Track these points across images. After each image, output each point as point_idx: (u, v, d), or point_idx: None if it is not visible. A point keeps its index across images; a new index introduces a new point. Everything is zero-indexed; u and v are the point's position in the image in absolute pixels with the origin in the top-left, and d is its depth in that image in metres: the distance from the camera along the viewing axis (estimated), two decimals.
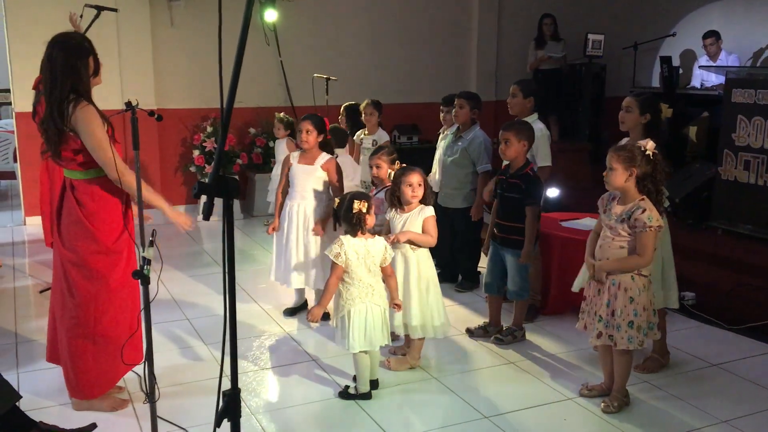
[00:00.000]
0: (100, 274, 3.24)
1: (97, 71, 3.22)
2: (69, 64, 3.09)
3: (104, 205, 3.24)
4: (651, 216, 3.22)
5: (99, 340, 3.28)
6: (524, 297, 4.26)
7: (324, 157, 4.47)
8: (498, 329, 4.36)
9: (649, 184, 3.30)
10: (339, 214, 3.58)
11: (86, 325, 3.26)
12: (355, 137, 6.12)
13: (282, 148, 6.88)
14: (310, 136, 4.41)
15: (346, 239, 3.49)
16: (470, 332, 4.40)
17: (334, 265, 3.48)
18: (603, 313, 3.35)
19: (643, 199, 3.28)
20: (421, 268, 3.79)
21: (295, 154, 4.56)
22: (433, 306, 3.81)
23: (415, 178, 3.72)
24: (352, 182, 5.07)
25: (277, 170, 7.04)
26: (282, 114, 7.08)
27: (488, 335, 4.34)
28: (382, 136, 5.93)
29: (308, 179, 4.46)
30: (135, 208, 3.20)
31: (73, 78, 3.10)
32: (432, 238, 3.78)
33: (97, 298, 3.25)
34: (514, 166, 4.17)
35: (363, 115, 5.97)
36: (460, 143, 5.07)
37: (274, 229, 4.57)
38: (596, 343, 3.44)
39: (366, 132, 6.02)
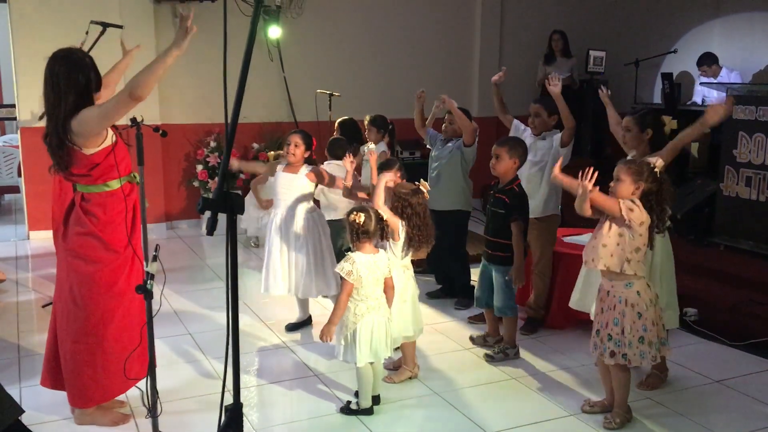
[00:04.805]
0: (105, 283, 3.25)
1: (98, 86, 3.22)
2: (72, 79, 3.09)
3: (114, 217, 3.25)
4: (634, 203, 3.22)
5: (102, 349, 3.28)
6: (509, 314, 4.21)
7: (307, 167, 4.51)
8: (497, 340, 4.39)
9: (652, 201, 3.31)
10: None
11: (92, 334, 3.26)
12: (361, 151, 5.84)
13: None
14: (298, 149, 4.45)
15: (357, 256, 3.50)
16: (472, 339, 4.52)
17: (344, 282, 3.47)
18: (612, 333, 3.33)
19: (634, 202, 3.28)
20: (402, 282, 3.79)
21: (281, 166, 4.60)
22: (408, 318, 3.83)
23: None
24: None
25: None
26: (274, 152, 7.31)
27: (487, 344, 4.42)
28: (379, 148, 5.71)
29: (292, 187, 4.49)
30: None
31: (77, 93, 3.10)
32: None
33: (102, 308, 3.26)
34: (502, 182, 4.18)
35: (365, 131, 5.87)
36: (450, 144, 5.07)
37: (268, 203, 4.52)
38: (610, 363, 3.37)
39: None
